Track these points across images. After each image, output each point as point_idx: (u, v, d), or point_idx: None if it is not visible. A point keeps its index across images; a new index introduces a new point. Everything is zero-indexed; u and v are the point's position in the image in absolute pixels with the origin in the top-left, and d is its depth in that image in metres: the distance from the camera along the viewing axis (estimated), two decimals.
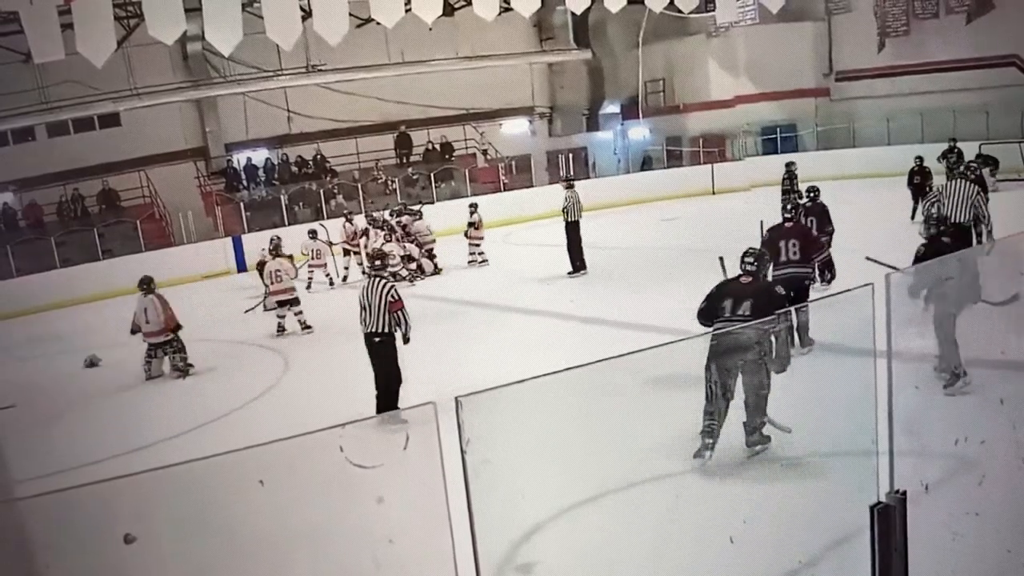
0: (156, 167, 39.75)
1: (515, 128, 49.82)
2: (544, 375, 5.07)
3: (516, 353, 17.26)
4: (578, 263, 24.56)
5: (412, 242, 28.64)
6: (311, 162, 42.30)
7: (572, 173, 26.46)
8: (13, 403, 17.34)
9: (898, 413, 5.57)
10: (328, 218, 37.13)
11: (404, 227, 29.28)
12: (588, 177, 46.23)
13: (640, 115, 48.03)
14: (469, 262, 29.25)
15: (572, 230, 24.43)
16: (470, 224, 29.32)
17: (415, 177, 42.06)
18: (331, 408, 14.30)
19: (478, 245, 29.62)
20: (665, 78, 48.22)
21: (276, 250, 23.77)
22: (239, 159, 42.14)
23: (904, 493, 5.56)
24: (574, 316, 20.04)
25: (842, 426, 6.69)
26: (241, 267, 35.25)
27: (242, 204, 38.86)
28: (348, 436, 5.35)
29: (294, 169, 42.17)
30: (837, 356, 6.81)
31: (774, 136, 45.20)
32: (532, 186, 42.08)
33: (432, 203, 35.03)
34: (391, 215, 30.31)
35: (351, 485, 5.55)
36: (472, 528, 4.80)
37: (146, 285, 19.10)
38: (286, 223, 37.74)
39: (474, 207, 29.65)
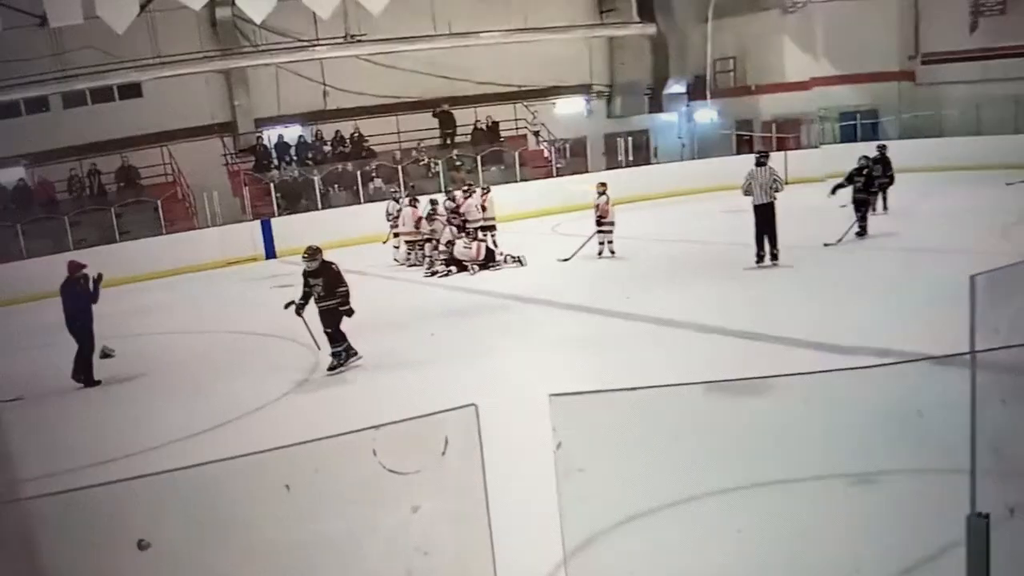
0: (180, 143, 39.74)
1: (570, 108, 49.53)
2: (652, 387, 5.09)
3: (557, 354, 17.29)
4: (761, 252, 23.54)
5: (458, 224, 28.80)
6: (348, 141, 42.28)
7: (764, 148, 25.55)
8: (21, 395, 17.48)
9: (982, 429, 5.54)
10: (365, 202, 37.22)
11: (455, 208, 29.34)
12: (648, 163, 46.22)
13: (708, 96, 47.81)
14: (599, 254, 27.82)
15: (760, 213, 23.52)
16: (595, 206, 28.05)
17: (459, 162, 41.96)
18: (364, 408, 14.36)
19: (608, 232, 27.82)
20: (736, 56, 48.03)
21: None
22: (270, 136, 42.04)
23: (987, 516, 5.54)
24: (620, 313, 19.97)
25: (921, 442, 6.67)
26: (270, 253, 35.35)
27: (272, 185, 39.04)
28: (382, 439, 5.38)
29: (329, 148, 42.22)
30: (918, 368, 6.78)
31: (853, 122, 44.92)
32: (587, 171, 41.90)
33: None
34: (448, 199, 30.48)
35: (384, 492, 5.58)
36: (563, 538, 4.82)
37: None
38: (319, 206, 37.91)
39: (603, 187, 28.02)
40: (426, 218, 28.90)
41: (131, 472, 5.33)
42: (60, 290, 19.08)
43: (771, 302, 19.88)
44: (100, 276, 19.41)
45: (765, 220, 23.36)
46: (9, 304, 29.04)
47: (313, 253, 17.69)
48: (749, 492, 7.00)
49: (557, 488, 5.08)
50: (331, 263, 17.69)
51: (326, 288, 17.48)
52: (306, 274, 17.65)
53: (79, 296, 18.86)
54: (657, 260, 26.21)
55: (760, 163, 23.71)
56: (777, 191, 23.29)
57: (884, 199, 30.00)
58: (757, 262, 23.42)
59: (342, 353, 17.70)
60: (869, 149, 29.89)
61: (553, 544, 5.84)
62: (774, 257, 23.38)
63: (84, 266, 19.31)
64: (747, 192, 23.49)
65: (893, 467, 7.36)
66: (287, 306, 17.87)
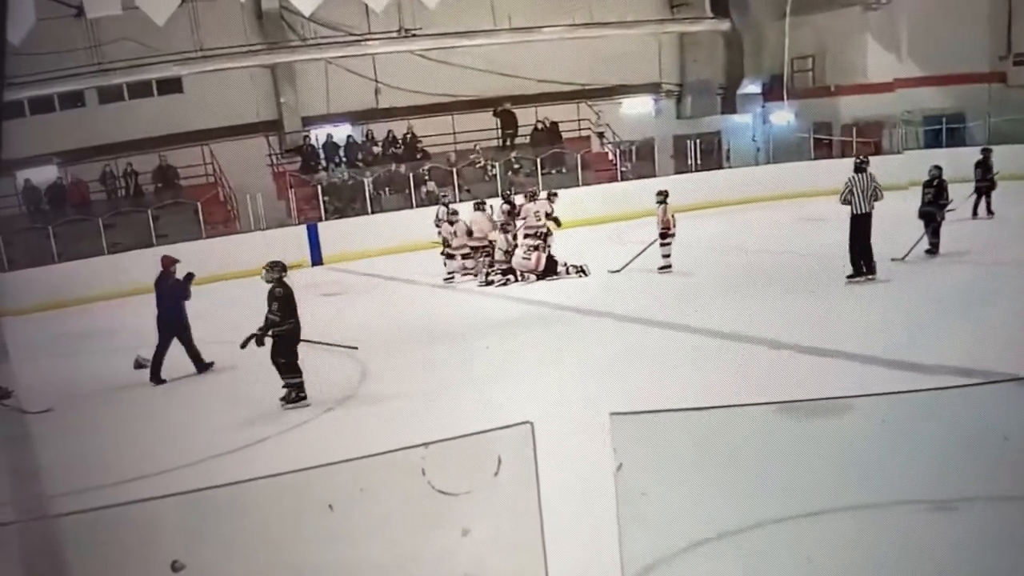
0: (222, 141, 39.79)
1: (637, 108, 49.49)
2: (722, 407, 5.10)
3: (619, 370, 17.21)
4: (859, 264, 22.90)
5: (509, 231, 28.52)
6: (401, 141, 42.21)
7: (863, 157, 24.61)
8: (50, 407, 17.60)
9: None
10: (417, 206, 37.18)
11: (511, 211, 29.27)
12: (720, 167, 46.01)
13: (784, 97, 47.58)
14: (660, 268, 26.77)
15: (858, 224, 22.83)
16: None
17: (517, 165, 41.89)
18: (413, 425, 14.36)
19: (667, 244, 26.84)
20: (815, 55, 47.73)
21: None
22: (318, 135, 42.10)
23: None
24: (688, 328, 19.92)
25: (1006, 467, 6.62)
26: (316, 259, 35.38)
27: (319, 187, 38.96)
28: (432, 457, 5.39)
29: (380, 149, 42.17)
30: (1004, 389, 6.76)
31: (939, 127, 44.53)
32: (654, 175, 41.68)
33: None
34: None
35: (433, 513, 5.60)
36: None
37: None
38: (369, 211, 37.93)
39: (662, 195, 27.10)
40: (447, 220, 29.06)
41: (165, 489, 5.37)
42: (155, 285, 19.83)
43: (848, 318, 19.72)
44: (190, 275, 20.03)
45: (862, 231, 22.82)
46: (38, 310, 29.25)
47: (270, 269, 17.03)
48: (821, 518, 6.98)
49: (617, 512, 5.08)
50: (283, 285, 16.92)
51: (279, 312, 16.76)
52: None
53: (174, 291, 19.57)
54: (728, 271, 26.09)
55: (860, 169, 23.07)
56: (876, 199, 22.71)
57: (988, 203, 30.41)
58: (852, 276, 22.88)
59: (298, 387, 16.91)
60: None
61: (612, 572, 5.85)
62: (871, 271, 22.86)
63: (177, 261, 19.87)
64: (846, 201, 22.88)
65: (975, 494, 7.32)
66: (244, 345, 16.91)
